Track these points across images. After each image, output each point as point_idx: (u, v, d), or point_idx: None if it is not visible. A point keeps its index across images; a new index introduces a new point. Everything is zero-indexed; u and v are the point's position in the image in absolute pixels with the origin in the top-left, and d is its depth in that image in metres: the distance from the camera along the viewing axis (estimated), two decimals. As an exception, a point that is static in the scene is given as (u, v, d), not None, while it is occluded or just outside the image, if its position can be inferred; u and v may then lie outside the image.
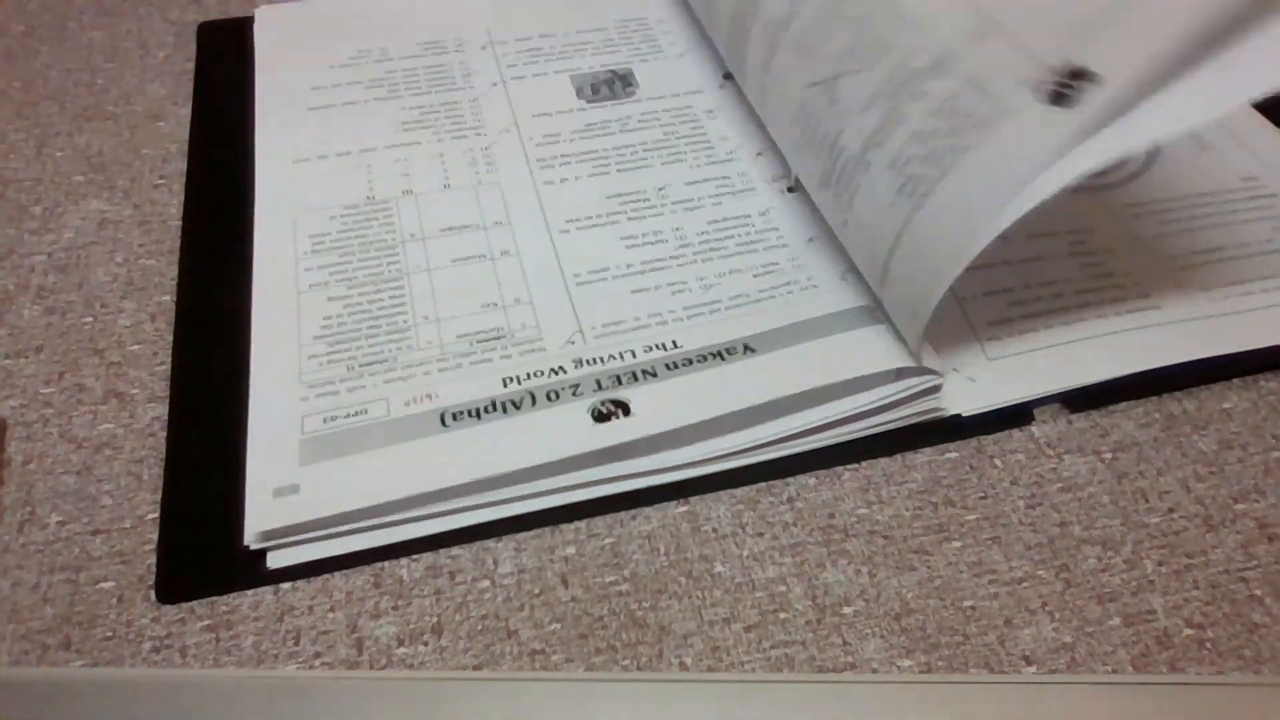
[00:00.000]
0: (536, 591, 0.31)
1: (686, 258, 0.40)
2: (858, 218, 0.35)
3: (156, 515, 0.32)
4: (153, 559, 0.31)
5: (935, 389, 0.34)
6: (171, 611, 0.30)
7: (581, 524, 0.32)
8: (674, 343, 0.36)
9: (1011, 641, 0.30)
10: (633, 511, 0.33)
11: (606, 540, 0.32)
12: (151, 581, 0.31)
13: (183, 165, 0.45)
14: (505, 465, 0.32)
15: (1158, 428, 0.35)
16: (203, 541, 0.32)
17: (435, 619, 0.30)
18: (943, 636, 0.30)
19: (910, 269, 0.33)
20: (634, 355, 0.36)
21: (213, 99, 0.48)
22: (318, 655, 0.29)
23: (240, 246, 0.40)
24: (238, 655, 0.29)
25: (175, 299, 0.39)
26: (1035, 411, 0.36)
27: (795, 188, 0.43)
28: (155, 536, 0.32)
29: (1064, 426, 0.35)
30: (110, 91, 0.49)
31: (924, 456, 0.34)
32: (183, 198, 0.43)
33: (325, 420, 0.34)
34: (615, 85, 0.48)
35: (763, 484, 0.34)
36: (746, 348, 0.36)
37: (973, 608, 0.30)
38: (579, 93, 0.48)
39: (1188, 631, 0.30)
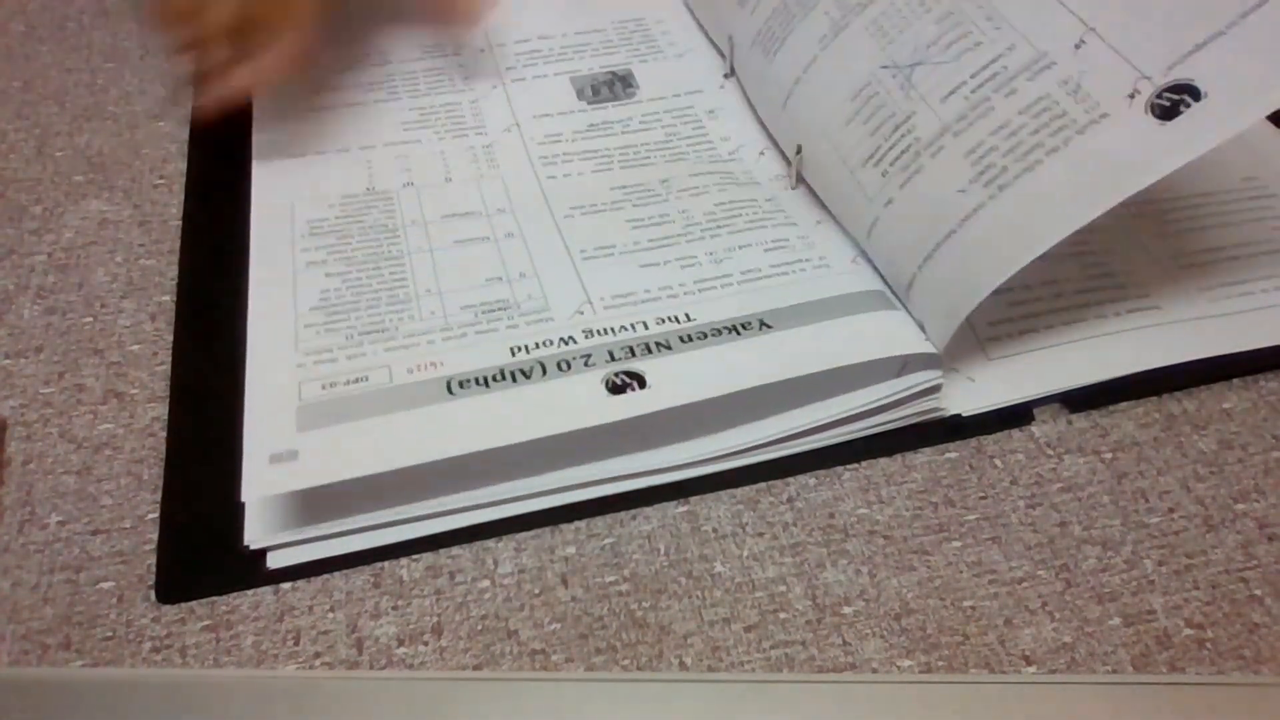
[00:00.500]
0: (536, 591, 0.31)
1: (694, 235, 0.40)
2: (913, 198, 0.36)
3: (156, 515, 0.32)
4: (153, 559, 0.31)
5: (935, 389, 0.34)
6: (171, 611, 0.30)
7: (581, 524, 0.32)
8: (687, 315, 0.36)
9: (1011, 641, 0.30)
10: (633, 511, 0.33)
11: (606, 540, 0.32)
12: (151, 581, 0.31)
13: (183, 165, 0.45)
14: (519, 435, 0.31)
15: (1158, 428, 0.35)
16: (203, 541, 0.32)
17: (435, 619, 0.30)
18: (943, 636, 0.30)
19: (968, 254, 0.33)
20: (646, 327, 0.35)
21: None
22: (318, 655, 0.29)
23: (240, 247, 0.40)
24: (238, 655, 0.29)
25: (175, 299, 0.39)
26: (1035, 411, 0.36)
27: (797, 185, 0.43)
28: (155, 536, 0.32)
29: (1064, 426, 0.35)
30: (110, 91, 0.49)
31: (924, 456, 0.34)
32: (183, 198, 0.43)
33: (324, 387, 0.33)
34: (616, 86, 0.48)
35: (763, 484, 0.34)
36: (762, 323, 0.35)
37: (973, 608, 0.30)
38: (579, 94, 0.48)
39: (1188, 631, 0.30)
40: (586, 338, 0.35)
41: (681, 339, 0.35)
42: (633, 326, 0.35)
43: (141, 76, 0.49)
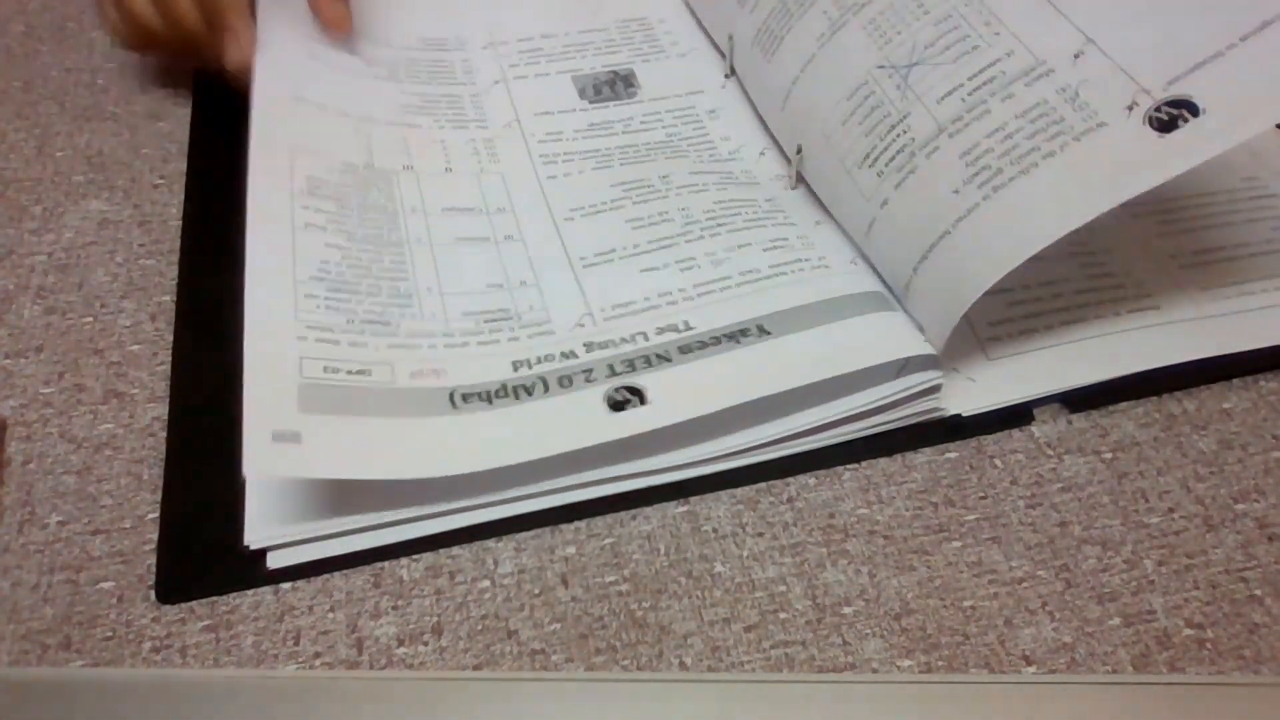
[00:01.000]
0: (536, 591, 0.31)
1: (694, 234, 0.40)
2: (908, 199, 0.36)
3: (156, 515, 0.32)
4: (153, 559, 0.31)
5: (935, 389, 0.34)
6: (171, 611, 0.30)
7: (581, 524, 0.32)
8: (686, 324, 0.36)
9: (1011, 641, 0.30)
10: (633, 511, 0.33)
11: (606, 540, 0.32)
12: (151, 581, 0.31)
13: (183, 165, 0.45)
14: (522, 455, 0.32)
15: (1158, 428, 0.35)
16: (203, 541, 0.32)
17: (435, 619, 0.30)
18: (943, 636, 0.30)
19: (962, 255, 0.34)
20: (646, 338, 0.35)
21: (213, 99, 0.48)
22: (318, 655, 0.29)
23: (240, 246, 0.40)
24: (238, 655, 0.29)
25: (175, 299, 0.39)
26: (1035, 411, 0.36)
27: (797, 185, 0.43)
28: (155, 536, 0.32)
29: (1064, 426, 0.35)
30: (110, 91, 0.49)
31: (924, 456, 0.34)
32: (183, 198, 0.43)
33: (326, 369, 0.33)
34: (617, 86, 0.48)
35: (763, 484, 0.34)
36: (761, 329, 0.35)
37: (973, 608, 0.30)
38: (581, 93, 0.48)
39: (1188, 631, 0.30)
40: (587, 351, 0.35)
41: (681, 349, 0.35)
42: (633, 338, 0.35)
43: (141, 77, 0.49)
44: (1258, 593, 0.31)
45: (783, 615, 0.30)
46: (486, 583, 0.31)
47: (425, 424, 0.32)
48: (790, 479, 0.34)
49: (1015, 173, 0.33)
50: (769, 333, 0.35)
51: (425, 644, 0.30)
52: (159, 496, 0.33)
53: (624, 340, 0.35)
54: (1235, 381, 0.37)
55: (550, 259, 0.39)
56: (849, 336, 0.35)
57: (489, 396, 0.33)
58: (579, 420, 0.33)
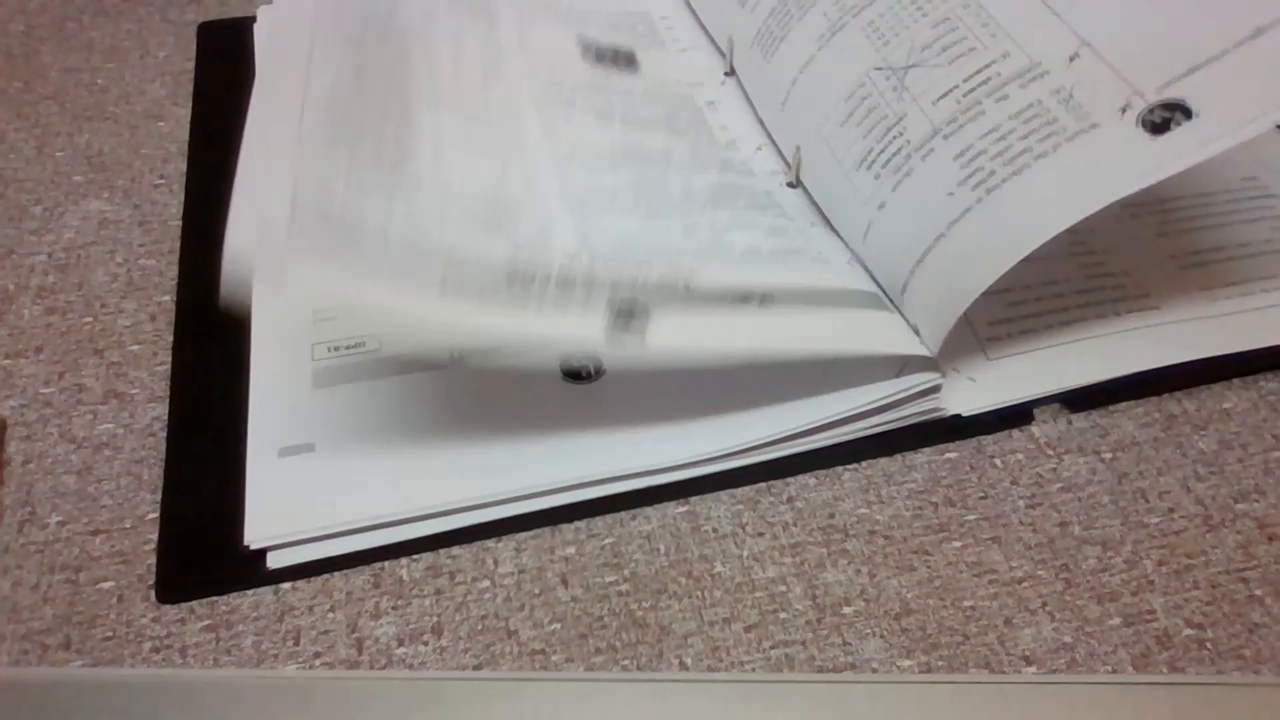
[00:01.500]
0: (536, 591, 0.31)
1: (696, 205, 0.39)
2: (904, 201, 0.36)
3: (156, 515, 0.32)
4: (153, 559, 0.31)
5: (935, 389, 0.34)
6: (171, 611, 0.30)
7: (581, 524, 0.32)
8: (687, 286, 0.35)
9: (1011, 641, 0.30)
10: (633, 511, 0.33)
11: (606, 540, 0.32)
12: (151, 581, 0.31)
13: (183, 165, 0.45)
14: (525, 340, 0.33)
15: (1158, 428, 0.35)
16: (203, 541, 0.32)
17: (435, 619, 0.30)
18: (943, 636, 0.30)
19: (957, 257, 0.34)
20: (645, 286, 0.35)
21: (213, 99, 0.48)
22: (318, 655, 0.29)
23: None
24: (238, 655, 0.29)
25: (175, 299, 0.39)
26: (1035, 411, 0.36)
27: (795, 183, 0.43)
28: (155, 536, 0.32)
29: (1064, 426, 0.35)
30: (110, 91, 0.49)
31: (924, 456, 0.34)
32: (183, 198, 0.43)
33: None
34: (619, 59, 0.48)
35: (763, 484, 0.34)
36: (764, 298, 0.35)
37: (973, 608, 0.30)
38: (584, 52, 0.47)
39: (1188, 631, 0.30)
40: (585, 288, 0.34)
41: (683, 300, 0.34)
42: (633, 282, 0.34)
43: (141, 76, 0.49)
44: (1258, 593, 0.31)
45: (783, 615, 0.30)
46: (486, 583, 0.31)
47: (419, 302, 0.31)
48: (790, 479, 0.34)
49: (1008, 174, 0.33)
50: (772, 300, 0.35)
51: (425, 644, 0.30)
52: (159, 496, 0.33)
53: (623, 283, 0.34)
54: (1235, 381, 0.37)
55: (548, 191, 0.39)
56: (849, 324, 0.35)
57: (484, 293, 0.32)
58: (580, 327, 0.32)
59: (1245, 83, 0.31)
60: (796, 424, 0.34)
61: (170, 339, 0.38)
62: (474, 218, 0.36)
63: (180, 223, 0.42)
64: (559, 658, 0.29)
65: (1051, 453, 0.35)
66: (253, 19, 0.52)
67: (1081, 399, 0.36)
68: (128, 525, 0.32)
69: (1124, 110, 0.31)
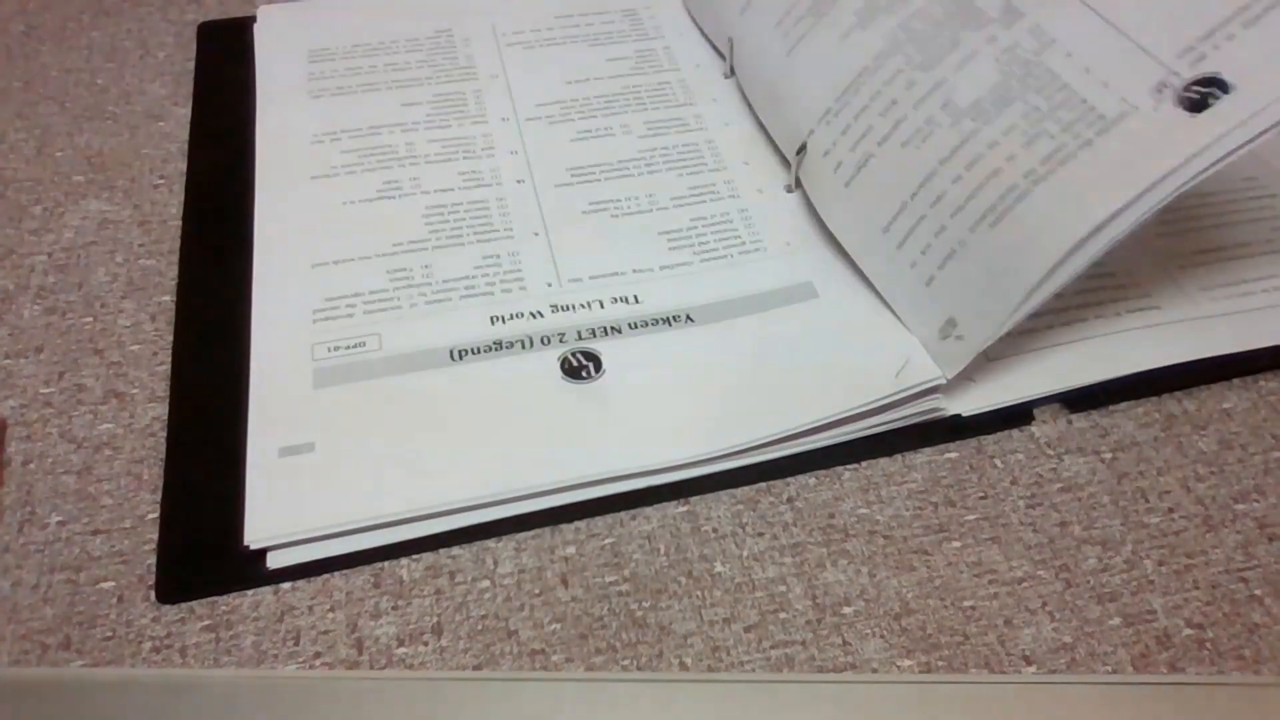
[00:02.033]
0: (536, 591, 0.31)
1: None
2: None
3: (156, 515, 0.32)
4: (153, 559, 0.31)
5: (935, 389, 0.34)
6: (171, 611, 0.30)
7: (581, 524, 0.32)
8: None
9: (1011, 641, 0.30)
10: (633, 511, 0.33)
11: (606, 540, 0.32)
12: (151, 581, 0.31)
13: (183, 165, 0.45)
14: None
15: (1158, 428, 0.35)
16: (203, 541, 0.32)
17: (435, 619, 0.30)
18: (943, 636, 0.30)
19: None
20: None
21: (213, 99, 0.48)
22: (318, 655, 0.29)
23: (240, 246, 0.40)
24: (238, 655, 0.29)
25: (175, 299, 0.39)
26: (1035, 411, 0.36)
27: (794, 188, 0.43)
28: (155, 536, 0.32)
29: (1064, 426, 0.35)
30: (110, 91, 0.49)
31: (924, 456, 0.34)
32: (183, 198, 0.43)
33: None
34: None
35: (763, 484, 0.34)
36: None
37: (973, 608, 0.30)
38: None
39: (1188, 631, 0.30)
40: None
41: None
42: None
43: (141, 76, 0.49)
44: (1258, 593, 0.31)
45: (783, 615, 0.30)
46: (486, 583, 0.31)
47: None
48: (790, 479, 0.34)
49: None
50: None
51: (425, 644, 0.30)
52: (159, 496, 0.33)
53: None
54: (1235, 381, 0.37)
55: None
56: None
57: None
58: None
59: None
60: (796, 424, 0.34)
61: (170, 339, 0.38)
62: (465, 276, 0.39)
63: (180, 223, 0.42)
64: (559, 658, 0.29)
65: (1051, 453, 0.35)
66: (253, 19, 0.52)
67: (1081, 399, 0.36)
68: (128, 525, 0.32)
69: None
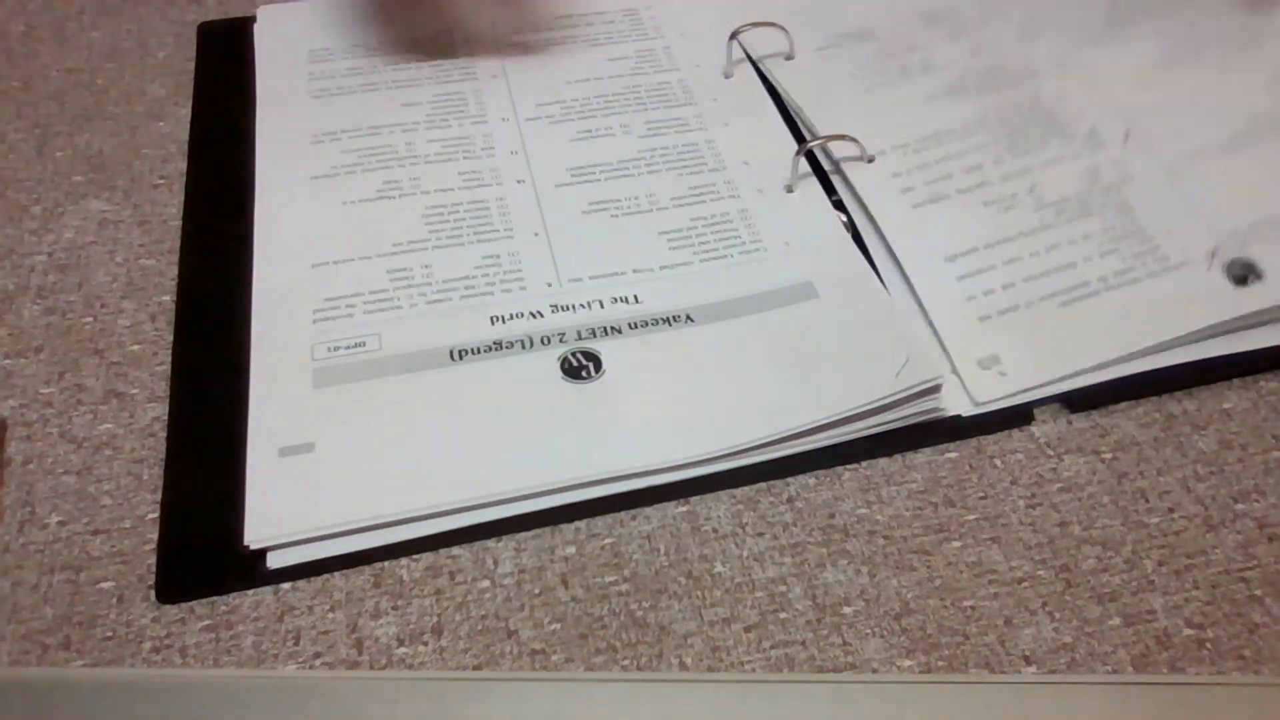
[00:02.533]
0: (536, 591, 0.31)
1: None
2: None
3: (156, 515, 0.32)
4: (153, 559, 0.31)
5: (935, 389, 0.34)
6: (171, 611, 0.30)
7: (581, 524, 0.32)
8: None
9: (1011, 641, 0.30)
10: (633, 511, 0.33)
11: (606, 540, 0.32)
12: (151, 581, 0.31)
13: (183, 165, 0.45)
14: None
15: (1158, 428, 0.35)
16: (203, 541, 0.32)
17: (435, 619, 0.30)
18: (943, 636, 0.30)
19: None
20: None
21: (213, 99, 0.48)
22: (318, 655, 0.29)
23: (240, 246, 0.40)
24: (238, 655, 0.29)
25: (175, 299, 0.39)
26: (1035, 411, 0.36)
27: (793, 188, 0.43)
28: (155, 536, 0.32)
29: (1064, 426, 0.35)
30: (110, 91, 0.49)
31: (924, 456, 0.34)
32: (183, 198, 0.43)
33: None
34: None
35: (763, 484, 0.34)
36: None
37: (973, 608, 0.30)
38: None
39: (1188, 631, 0.30)
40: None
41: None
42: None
43: (141, 76, 0.49)
44: (1258, 593, 0.31)
45: (783, 615, 0.30)
46: (486, 583, 0.31)
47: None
48: (790, 479, 0.34)
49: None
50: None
51: (425, 644, 0.30)
52: (159, 496, 0.33)
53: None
54: (1235, 381, 0.37)
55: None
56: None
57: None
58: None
59: None
60: (796, 424, 0.34)
61: (170, 339, 0.38)
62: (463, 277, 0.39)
63: (180, 223, 0.42)
64: (559, 658, 0.29)
65: (1051, 453, 0.35)
66: (253, 19, 0.52)
67: (1081, 399, 0.36)
68: (128, 525, 0.32)
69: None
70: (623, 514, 0.33)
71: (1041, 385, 0.35)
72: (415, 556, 0.32)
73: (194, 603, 0.30)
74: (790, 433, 0.34)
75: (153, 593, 0.31)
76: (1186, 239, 0.38)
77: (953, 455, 0.34)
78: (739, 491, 0.33)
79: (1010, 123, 0.43)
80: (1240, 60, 0.43)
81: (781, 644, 0.30)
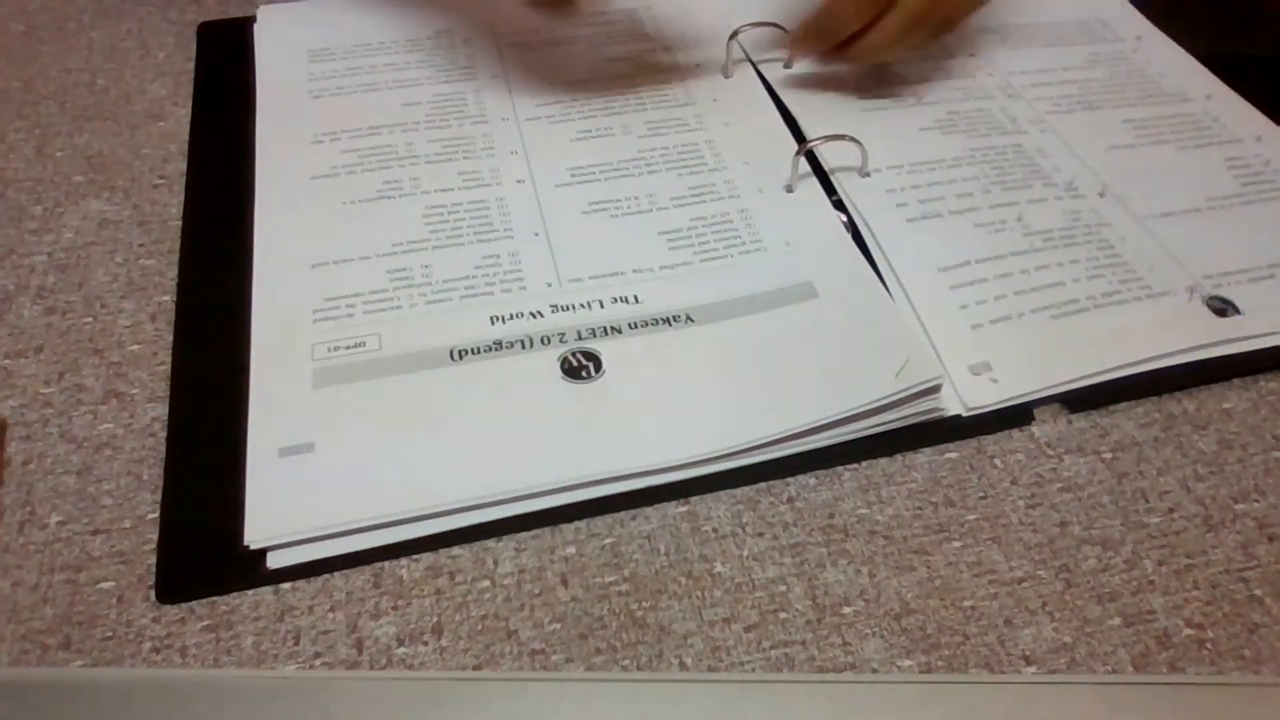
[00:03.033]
0: (536, 591, 0.31)
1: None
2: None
3: (156, 515, 0.32)
4: (153, 559, 0.31)
5: (935, 389, 0.34)
6: (171, 611, 0.30)
7: (581, 524, 0.32)
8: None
9: (1011, 641, 0.30)
10: (633, 511, 0.33)
11: (606, 540, 0.32)
12: (151, 581, 0.31)
13: (183, 165, 0.45)
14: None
15: (1158, 428, 0.35)
16: (203, 541, 0.32)
17: (435, 619, 0.30)
18: (943, 636, 0.30)
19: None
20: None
21: (213, 99, 0.48)
22: (318, 655, 0.29)
23: (240, 246, 0.40)
24: (238, 655, 0.29)
25: (175, 299, 0.39)
26: (1035, 411, 0.36)
27: (793, 188, 0.43)
28: (155, 536, 0.32)
29: (1064, 426, 0.35)
30: (110, 91, 0.49)
31: (924, 456, 0.34)
32: (183, 198, 0.43)
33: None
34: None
35: (763, 484, 0.34)
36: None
37: (973, 608, 0.30)
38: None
39: (1188, 631, 0.30)
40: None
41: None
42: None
43: (141, 76, 0.49)
44: (1258, 593, 0.31)
45: (783, 615, 0.30)
46: (486, 583, 0.31)
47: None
48: (790, 479, 0.34)
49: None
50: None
51: (425, 644, 0.30)
52: (159, 496, 0.33)
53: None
54: (1235, 381, 0.37)
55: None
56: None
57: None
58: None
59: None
60: (796, 424, 0.34)
61: (170, 339, 0.38)
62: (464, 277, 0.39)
63: (180, 223, 0.42)
64: (559, 658, 0.29)
65: (1051, 453, 0.35)
66: (253, 19, 0.52)
67: (1081, 399, 0.36)
68: (128, 525, 0.32)
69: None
70: (623, 514, 0.33)
71: (1032, 393, 0.35)
72: (415, 556, 0.32)
73: (194, 603, 0.30)
74: (790, 433, 0.34)
75: (153, 593, 0.31)
76: (1165, 273, 0.39)
77: (953, 455, 0.34)
78: (739, 491, 0.33)
79: (996, 163, 0.44)
80: (1200, 144, 0.46)
81: (781, 644, 0.30)
